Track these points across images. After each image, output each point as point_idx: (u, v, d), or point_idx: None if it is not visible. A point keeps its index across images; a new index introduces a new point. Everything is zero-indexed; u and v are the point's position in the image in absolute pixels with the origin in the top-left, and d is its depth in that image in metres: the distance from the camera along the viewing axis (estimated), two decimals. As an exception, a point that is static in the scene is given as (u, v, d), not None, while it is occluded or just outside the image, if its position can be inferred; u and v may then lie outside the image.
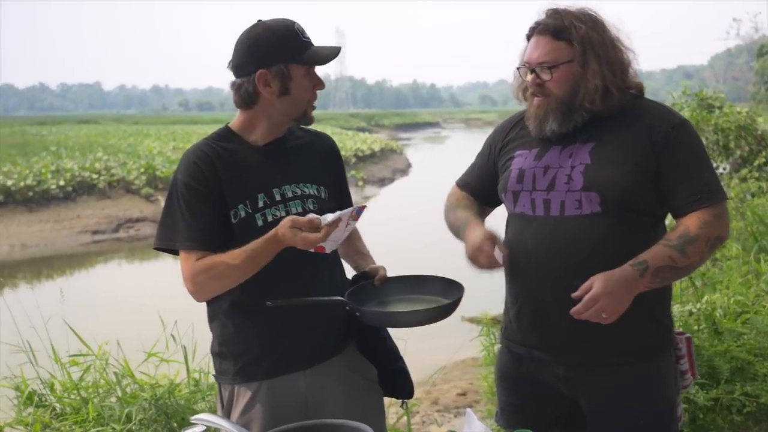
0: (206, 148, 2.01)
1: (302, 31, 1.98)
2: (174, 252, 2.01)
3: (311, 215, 1.84)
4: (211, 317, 2.11)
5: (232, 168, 2.00)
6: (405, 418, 3.82)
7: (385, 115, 78.16)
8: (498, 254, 1.96)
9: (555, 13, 1.99)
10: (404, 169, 27.54)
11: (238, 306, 2.03)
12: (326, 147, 2.21)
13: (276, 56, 1.94)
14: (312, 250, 1.87)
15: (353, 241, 2.27)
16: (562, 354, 2.03)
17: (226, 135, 2.07)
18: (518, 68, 2.08)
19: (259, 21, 2.00)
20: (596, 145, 1.99)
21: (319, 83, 2.02)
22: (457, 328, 6.92)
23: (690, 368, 2.11)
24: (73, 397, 3.58)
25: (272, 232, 1.87)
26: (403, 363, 2.23)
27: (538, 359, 2.07)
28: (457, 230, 2.15)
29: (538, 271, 2.00)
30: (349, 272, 2.25)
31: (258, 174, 2.02)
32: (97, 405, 3.43)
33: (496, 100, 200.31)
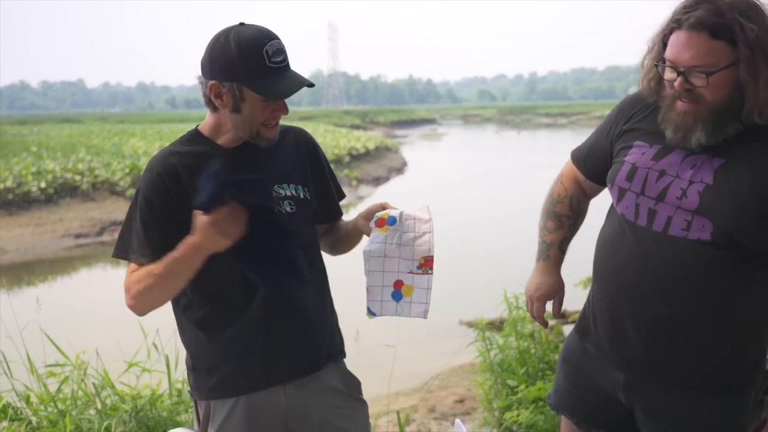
0: (173, 157, 1.95)
1: (273, 53, 1.85)
2: None
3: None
4: (182, 331, 2.07)
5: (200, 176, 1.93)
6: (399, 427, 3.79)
7: (380, 111, 78.19)
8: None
9: (713, 6, 1.72)
10: (400, 168, 27.51)
11: (203, 324, 1.99)
12: (300, 141, 2.13)
13: (231, 74, 1.86)
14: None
15: (340, 228, 2.21)
16: (630, 368, 1.93)
17: (194, 138, 2.01)
18: (656, 65, 1.82)
19: (240, 25, 1.90)
20: (724, 165, 1.77)
21: (279, 109, 1.92)
22: (453, 333, 6.90)
23: None
24: (50, 409, 3.55)
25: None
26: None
27: (603, 359, 1.99)
28: (538, 245, 2.22)
29: (620, 286, 1.88)
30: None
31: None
32: (75, 418, 3.40)
33: (495, 95, 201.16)
